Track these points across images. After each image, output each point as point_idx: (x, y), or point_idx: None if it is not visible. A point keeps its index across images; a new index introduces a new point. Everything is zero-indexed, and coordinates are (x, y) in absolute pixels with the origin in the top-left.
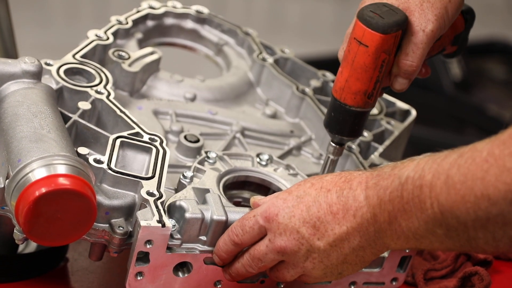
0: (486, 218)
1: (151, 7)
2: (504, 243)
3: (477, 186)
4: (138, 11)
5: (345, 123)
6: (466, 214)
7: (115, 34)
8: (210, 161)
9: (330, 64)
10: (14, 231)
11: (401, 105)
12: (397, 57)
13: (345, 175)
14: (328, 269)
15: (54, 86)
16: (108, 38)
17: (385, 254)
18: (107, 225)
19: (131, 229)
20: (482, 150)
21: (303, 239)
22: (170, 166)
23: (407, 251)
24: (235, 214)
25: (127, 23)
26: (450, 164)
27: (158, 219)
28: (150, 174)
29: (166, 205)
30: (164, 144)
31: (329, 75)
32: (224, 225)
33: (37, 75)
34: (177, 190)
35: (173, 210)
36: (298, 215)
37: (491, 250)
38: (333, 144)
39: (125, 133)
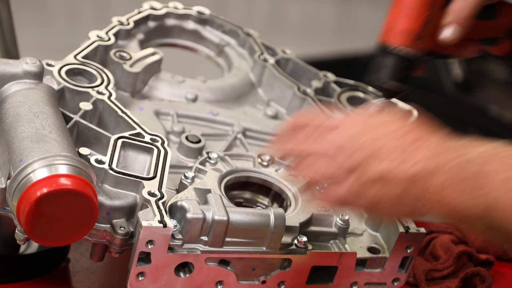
0: None
1: (152, 8)
2: None
3: None
4: (139, 12)
5: (389, 66)
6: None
7: (116, 34)
8: (212, 161)
9: (331, 64)
10: (16, 231)
11: (403, 105)
12: (448, 7)
13: (426, 130)
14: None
15: (56, 87)
16: (109, 39)
17: (387, 255)
18: (109, 225)
19: (132, 230)
20: None
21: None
22: (171, 166)
23: (409, 251)
24: (237, 214)
25: (128, 24)
26: None
27: (159, 219)
28: (151, 175)
29: (168, 206)
30: (165, 145)
31: (330, 76)
32: (226, 225)
33: (38, 76)
34: (178, 191)
35: (175, 211)
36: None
37: None
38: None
39: (126, 134)
